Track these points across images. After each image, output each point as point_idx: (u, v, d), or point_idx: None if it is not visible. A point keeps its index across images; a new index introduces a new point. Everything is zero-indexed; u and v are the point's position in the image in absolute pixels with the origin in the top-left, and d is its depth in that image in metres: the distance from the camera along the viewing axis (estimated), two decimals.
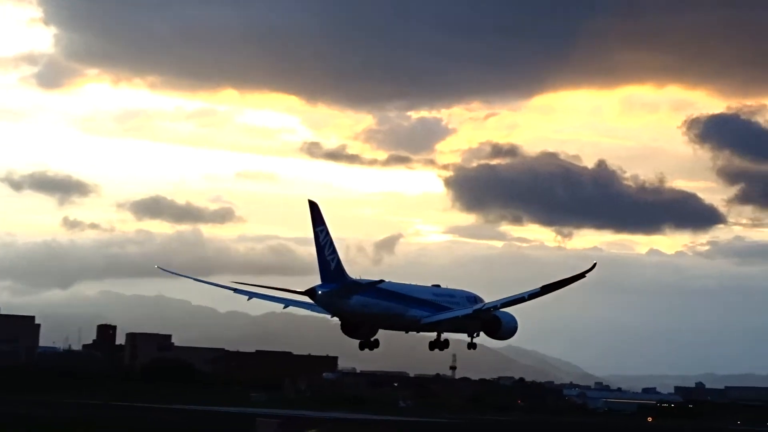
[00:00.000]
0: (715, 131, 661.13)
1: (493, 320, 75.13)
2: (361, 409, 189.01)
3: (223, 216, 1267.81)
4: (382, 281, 70.00)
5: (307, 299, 70.45)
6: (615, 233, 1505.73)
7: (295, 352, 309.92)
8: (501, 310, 74.10)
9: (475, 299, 77.56)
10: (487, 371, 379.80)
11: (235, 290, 77.72)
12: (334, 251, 69.02)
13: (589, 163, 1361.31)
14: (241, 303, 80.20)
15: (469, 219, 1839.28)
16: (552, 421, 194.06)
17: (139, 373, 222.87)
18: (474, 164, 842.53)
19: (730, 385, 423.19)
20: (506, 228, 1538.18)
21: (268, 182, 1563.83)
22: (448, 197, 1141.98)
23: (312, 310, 74.34)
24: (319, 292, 67.83)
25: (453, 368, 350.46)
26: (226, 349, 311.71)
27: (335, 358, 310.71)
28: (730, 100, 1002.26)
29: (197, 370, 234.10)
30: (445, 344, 78.95)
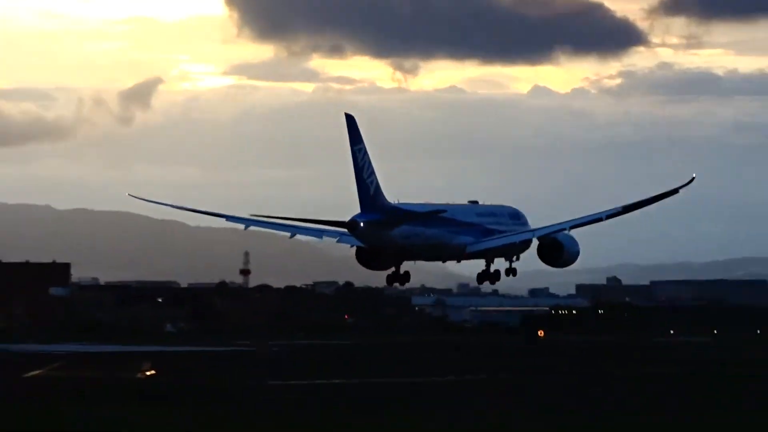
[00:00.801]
0: None
1: (552, 244, 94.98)
2: (107, 340, 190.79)
3: None
4: (444, 211, 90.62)
5: (338, 229, 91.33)
6: (482, 65, 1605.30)
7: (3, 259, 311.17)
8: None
9: (517, 215, 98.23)
10: (297, 274, 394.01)
11: (249, 221, 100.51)
12: (372, 173, 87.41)
13: None
14: None
15: (263, 52, 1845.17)
16: (385, 346, 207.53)
17: None
18: None
19: (656, 280, 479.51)
20: (319, 63, 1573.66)
21: None
22: (231, 21, 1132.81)
23: (342, 241, 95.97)
24: (361, 224, 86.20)
25: (245, 272, 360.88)
26: None
27: (67, 266, 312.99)
28: None
29: None
30: (496, 276, 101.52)
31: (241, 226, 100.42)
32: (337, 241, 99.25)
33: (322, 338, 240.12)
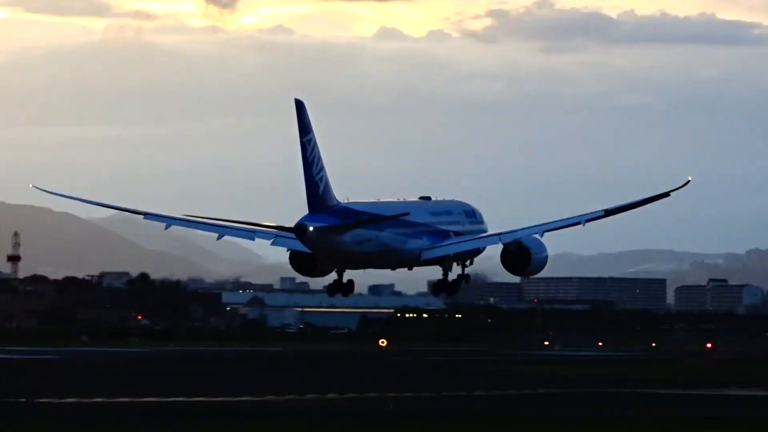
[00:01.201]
0: None
1: (518, 250, 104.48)
2: None
3: None
4: (407, 213, 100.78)
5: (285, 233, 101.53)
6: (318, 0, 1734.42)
7: None
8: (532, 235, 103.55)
9: (473, 212, 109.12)
10: (77, 262, 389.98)
11: (185, 222, 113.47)
12: (322, 168, 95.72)
13: None
14: None
15: None
16: (183, 356, 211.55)
17: None
18: None
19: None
20: None
21: None
22: None
23: (277, 244, 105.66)
24: (311, 228, 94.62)
25: (13, 259, 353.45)
26: None
27: None
28: None
29: None
30: (455, 286, 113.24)
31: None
32: (272, 244, 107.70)
33: (109, 344, 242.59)
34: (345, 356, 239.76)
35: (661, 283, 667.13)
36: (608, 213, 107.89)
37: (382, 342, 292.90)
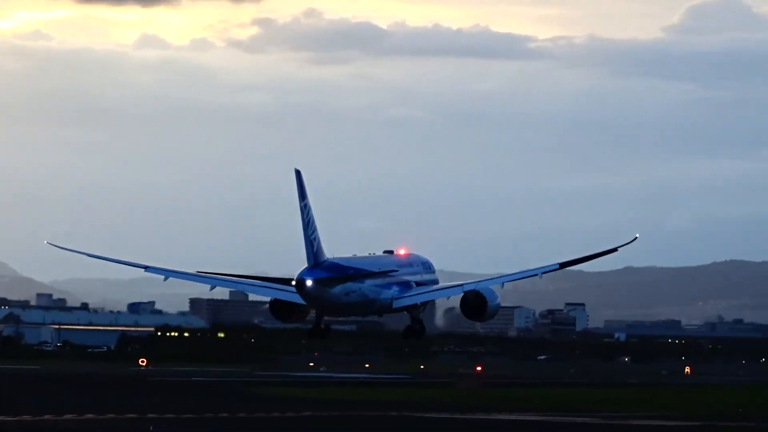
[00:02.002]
0: None
1: (476, 298, 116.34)
2: None
3: None
4: (396, 270, 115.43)
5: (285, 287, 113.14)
6: (78, 3, 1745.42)
7: None
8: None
9: (428, 264, 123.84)
10: None
11: (199, 277, 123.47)
12: (315, 229, 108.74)
13: None
14: None
15: None
16: None
17: None
18: None
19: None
20: None
21: None
22: None
23: (276, 296, 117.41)
24: (309, 282, 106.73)
25: None
26: None
27: None
28: None
29: None
30: (422, 329, 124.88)
31: None
32: (271, 297, 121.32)
33: None
34: (103, 376, 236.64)
35: (431, 303, 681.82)
36: (562, 266, 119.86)
37: (142, 361, 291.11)
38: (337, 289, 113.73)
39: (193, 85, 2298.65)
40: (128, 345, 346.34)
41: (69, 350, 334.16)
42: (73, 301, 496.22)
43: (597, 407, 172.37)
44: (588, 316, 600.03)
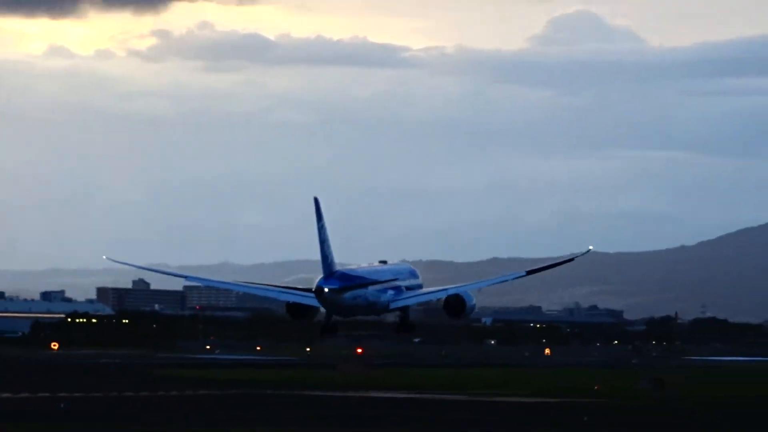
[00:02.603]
0: None
1: (456, 301, 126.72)
2: None
3: None
4: (396, 279, 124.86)
5: (305, 293, 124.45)
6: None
7: None
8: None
9: (414, 272, 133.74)
10: None
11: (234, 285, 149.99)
12: (329, 245, 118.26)
13: None
14: None
15: None
16: None
17: None
18: None
19: (188, 285, 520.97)
20: None
21: None
22: None
23: (300, 300, 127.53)
24: (326, 290, 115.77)
25: None
26: None
27: None
28: None
29: None
30: (411, 326, 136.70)
31: None
32: (292, 300, 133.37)
33: None
34: (18, 359, 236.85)
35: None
36: (529, 273, 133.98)
37: (54, 345, 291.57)
38: (348, 294, 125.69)
39: (96, 92, 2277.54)
40: (41, 331, 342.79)
41: None
42: None
43: (464, 386, 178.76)
44: None
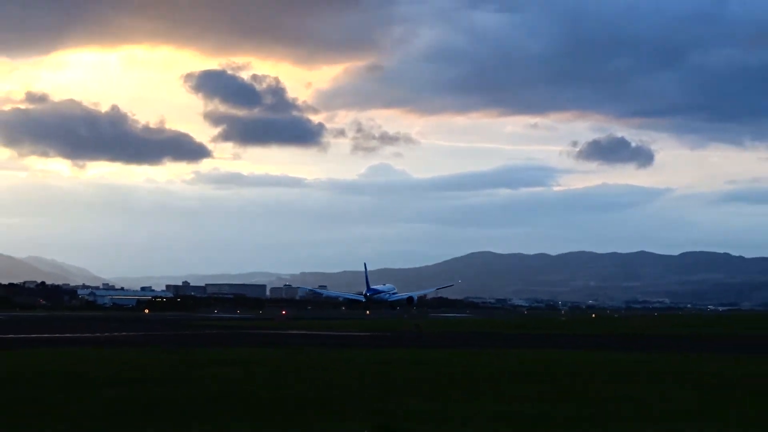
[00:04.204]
0: (208, 83, 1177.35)
1: (410, 299, 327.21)
2: None
3: None
4: (412, 298, 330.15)
5: (356, 297, 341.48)
6: (125, 164, 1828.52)
7: None
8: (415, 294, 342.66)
9: (394, 288, 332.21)
10: (13, 277, 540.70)
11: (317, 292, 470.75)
12: (368, 277, 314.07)
13: (105, 107, 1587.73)
14: None
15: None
16: (67, 316, 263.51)
17: None
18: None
19: (209, 283, 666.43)
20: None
21: None
22: None
23: (351, 298, 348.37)
24: (368, 295, 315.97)
25: None
26: None
27: None
28: (220, 58, 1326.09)
29: None
30: (396, 307, 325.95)
31: None
32: (351, 298, 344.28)
33: (25, 311, 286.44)
34: (130, 317, 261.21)
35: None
36: (438, 289, 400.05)
37: (146, 310, 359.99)
38: (375, 296, 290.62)
39: None
40: (140, 304, 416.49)
41: (116, 307, 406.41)
42: (117, 284, 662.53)
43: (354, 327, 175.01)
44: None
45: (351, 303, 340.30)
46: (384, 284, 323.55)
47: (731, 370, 60.45)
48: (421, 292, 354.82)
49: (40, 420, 33.09)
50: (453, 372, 55.89)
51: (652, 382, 49.56)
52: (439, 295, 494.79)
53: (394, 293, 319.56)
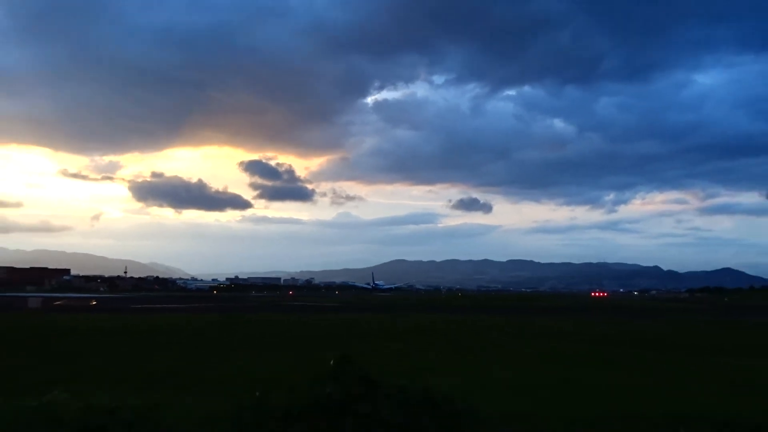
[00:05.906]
0: (251, 167, 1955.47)
1: (387, 288, 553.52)
2: None
3: None
4: (399, 287, 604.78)
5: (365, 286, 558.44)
6: (205, 211, 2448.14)
7: None
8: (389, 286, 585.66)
9: (383, 283, 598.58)
10: (141, 274, 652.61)
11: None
12: (373, 277, 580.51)
13: (194, 180, 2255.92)
14: None
15: None
16: (171, 295, 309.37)
17: None
18: None
19: (249, 276, 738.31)
20: None
21: None
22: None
23: (363, 286, 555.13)
24: (374, 285, 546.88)
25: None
26: None
27: None
28: (258, 153, 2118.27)
29: None
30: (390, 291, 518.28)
31: None
32: (358, 287, 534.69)
33: (149, 293, 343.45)
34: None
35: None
36: (396, 289, 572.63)
37: (215, 291, 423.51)
38: (377, 286, 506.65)
39: None
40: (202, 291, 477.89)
41: (198, 290, 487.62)
42: (199, 277, 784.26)
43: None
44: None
45: (361, 290, 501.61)
46: (379, 280, 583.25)
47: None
48: (397, 284, 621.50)
49: (170, 347, 52.42)
50: (384, 325, 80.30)
51: (488, 331, 73.76)
52: (397, 285, 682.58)
53: (384, 285, 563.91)
